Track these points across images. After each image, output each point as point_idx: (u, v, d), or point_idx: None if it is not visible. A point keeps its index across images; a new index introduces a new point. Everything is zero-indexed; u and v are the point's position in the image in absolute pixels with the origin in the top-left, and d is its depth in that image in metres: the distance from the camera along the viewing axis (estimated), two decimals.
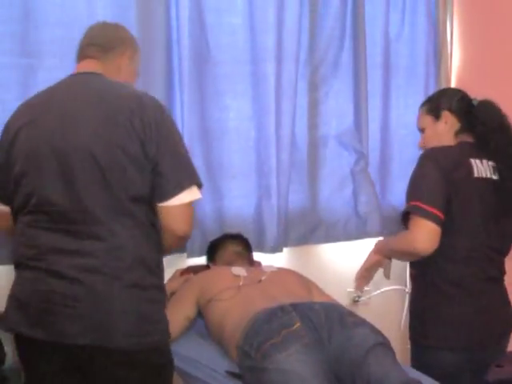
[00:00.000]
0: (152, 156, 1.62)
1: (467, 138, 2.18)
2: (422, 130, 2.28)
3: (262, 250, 2.68)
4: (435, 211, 2.00)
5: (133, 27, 2.24)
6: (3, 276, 2.31)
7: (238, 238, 2.57)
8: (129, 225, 1.63)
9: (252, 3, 2.62)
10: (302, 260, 2.81)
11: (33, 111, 1.74)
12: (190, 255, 2.60)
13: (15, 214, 1.75)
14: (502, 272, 2.21)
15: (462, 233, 2.07)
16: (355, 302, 2.90)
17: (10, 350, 2.11)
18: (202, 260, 2.61)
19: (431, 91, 3.00)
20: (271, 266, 2.41)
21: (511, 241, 2.22)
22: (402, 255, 2.22)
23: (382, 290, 2.90)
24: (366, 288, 2.87)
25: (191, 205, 1.70)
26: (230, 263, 2.44)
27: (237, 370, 1.97)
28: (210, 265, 2.53)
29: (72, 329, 1.60)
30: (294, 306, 1.99)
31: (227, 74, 2.62)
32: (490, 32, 2.99)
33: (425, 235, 2.01)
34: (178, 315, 2.14)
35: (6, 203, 1.78)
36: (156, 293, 1.69)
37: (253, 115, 2.68)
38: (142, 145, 1.61)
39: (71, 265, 1.62)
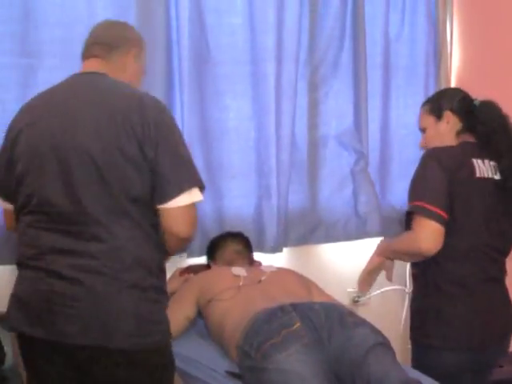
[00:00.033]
0: (150, 157, 1.61)
1: (469, 138, 2.18)
2: (423, 130, 2.27)
3: (261, 250, 2.68)
4: (439, 211, 2.00)
5: None
6: (4, 276, 2.32)
7: (239, 237, 2.57)
8: (128, 226, 1.63)
9: (252, 3, 2.62)
10: (301, 260, 2.81)
11: (34, 111, 1.75)
12: (190, 255, 2.60)
13: (17, 213, 1.76)
14: (504, 272, 2.21)
15: (464, 233, 2.07)
16: (355, 302, 2.90)
17: (9, 350, 2.11)
18: (202, 260, 2.61)
19: (431, 91, 3.00)
20: (271, 266, 2.41)
21: None
22: (405, 256, 2.22)
23: (382, 290, 2.90)
24: None
25: (193, 206, 1.67)
26: (231, 262, 2.44)
27: (237, 370, 1.97)
28: (211, 263, 2.53)
29: (72, 329, 1.60)
30: (294, 306, 1.99)
31: (227, 74, 2.62)
32: (489, 32, 2.99)
33: (429, 235, 2.01)
34: (177, 315, 2.14)
35: (12, 202, 1.79)
36: (156, 293, 1.68)
37: (253, 115, 2.68)
38: (139, 146, 1.60)
39: (71, 265, 1.62)
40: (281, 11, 2.63)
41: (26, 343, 1.72)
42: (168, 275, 2.32)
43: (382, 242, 2.35)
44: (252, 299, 2.10)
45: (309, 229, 2.82)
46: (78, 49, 2.32)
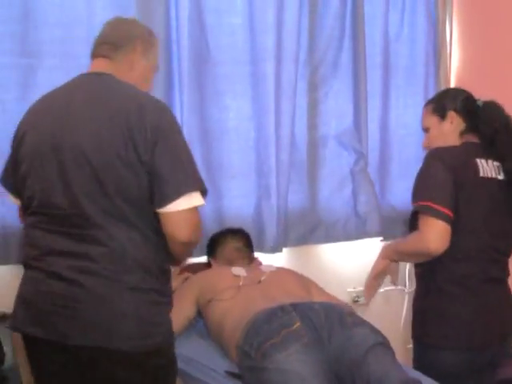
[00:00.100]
0: (145, 160, 1.58)
1: (472, 139, 2.18)
2: (426, 130, 2.27)
3: (261, 250, 2.68)
4: (446, 210, 2.00)
5: None
6: (4, 276, 2.32)
7: (239, 234, 2.56)
8: (126, 228, 1.61)
9: (252, 4, 2.62)
10: (301, 260, 2.82)
11: (38, 112, 1.75)
12: None
13: (24, 213, 1.78)
14: (506, 273, 2.21)
15: (466, 232, 2.07)
16: (355, 302, 2.90)
17: (9, 349, 2.11)
18: (202, 260, 2.61)
19: (431, 91, 3.00)
20: (270, 266, 2.41)
21: None
22: (412, 257, 2.20)
23: (382, 290, 2.90)
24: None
25: (194, 210, 1.63)
26: (231, 260, 2.44)
27: (236, 370, 1.97)
28: (211, 261, 2.53)
29: (72, 330, 1.61)
30: (294, 306, 1.99)
31: (227, 74, 2.63)
32: (489, 32, 2.99)
33: (436, 235, 2.01)
34: (177, 315, 2.13)
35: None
36: (158, 295, 1.66)
37: (252, 115, 2.68)
38: (135, 148, 1.58)
39: (70, 267, 1.62)
40: (280, 11, 2.63)
41: (30, 343, 1.73)
42: None
43: (386, 244, 2.33)
44: (252, 299, 2.10)
45: (308, 229, 2.83)
46: (78, 49, 2.35)
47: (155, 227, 1.63)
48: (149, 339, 1.63)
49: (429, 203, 2.02)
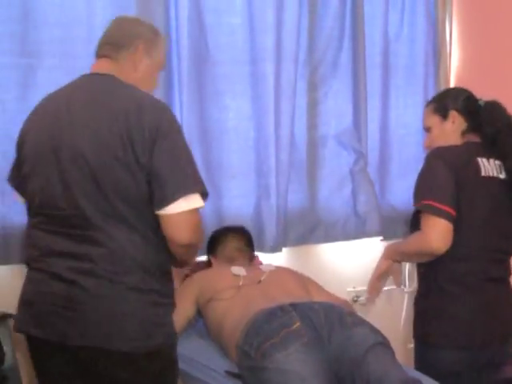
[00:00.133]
0: (144, 161, 1.57)
1: (473, 138, 2.18)
2: (427, 130, 2.27)
3: (261, 249, 2.68)
4: (448, 209, 2.00)
5: None
6: (5, 276, 2.32)
7: (240, 232, 2.54)
8: (126, 229, 1.61)
9: (251, 3, 2.62)
10: (301, 260, 2.82)
11: (40, 113, 1.76)
12: None
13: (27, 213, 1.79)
14: (508, 272, 2.21)
15: (468, 231, 2.07)
16: (354, 301, 2.90)
17: (9, 349, 2.11)
18: (201, 259, 2.61)
19: (430, 91, 3.01)
20: (270, 265, 2.41)
21: None
22: (415, 256, 2.20)
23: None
24: (364, 288, 2.88)
25: (194, 212, 1.61)
26: (231, 259, 2.44)
27: (236, 370, 1.98)
28: (211, 258, 2.52)
29: (73, 330, 1.61)
30: (294, 305, 1.99)
31: (226, 74, 2.62)
32: (489, 32, 2.99)
33: (439, 233, 2.01)
34: (177, 315, 2.13)
35: None
36: (158, 296, 1.66)
37: (252, 115, 2.68)
38: (132, 149, 1.57)
39: (70, 268, 1.62)
40: (280, 11, 2.63)
41: (32, 344, 1.74)
42: None
43: (388, 245, 2.34)
44: (252, 299, 2.11)
45: (308, 228, 2.83)
46: (78, 48, 2.35)
47: (155, 229, 1.62)
48: (149, 340, 1.63)
49: (431, 202, 2.02)
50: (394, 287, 2.68)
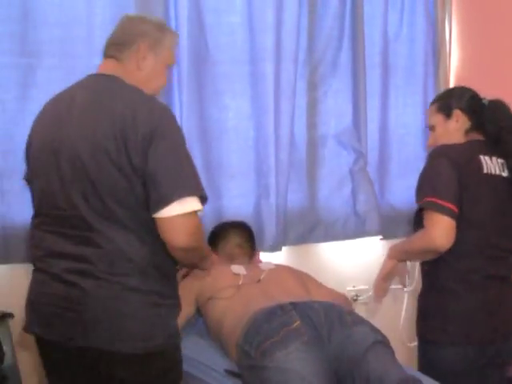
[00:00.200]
0: (137, 163, 1.55)
1: (477, 137, 2.19)
2: (431, 128, 2.28)
3: (261, 249, 2.67)
4: (450, 205, 2.01)
5: None
6: (5, 276, 2.32)
7: (241, 228, 2.54)
8: (123, 231, 1.60)
9: (251, 3, 2.62)
10: (300, 259, 2.82)
11: (44, 115, 1.77)
12: None
13: None
14: (511, 271, 2.21)
15: (470, 228, 2.08)
16: (354, 301, 2.90)
17: (9, 349, 2.12)
18: None
19: (430, 91, 3.01)
20: (269, 263, 2.42)
21: None
22: (419, 255, 2.20)
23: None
24: (364, 287, 2.89)
25: (191, 215, 1.57)
26: (232, 256, 2.43)
27: (236, 369, 1.98)
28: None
29: (74, 331, 1.61)
30: (294, 304, 2.00)
31: (226, 73, 2.62)
32: (488, 31, 2.99)
33: (442, 230, 2.01)
34: None
35: None
36: (157, 297, 1.65)
37: (252, 115, 2.68)
38: (125, 150, 1.56)
39: (69, 269, 1.62)
40: (280, 11, 2.63)
41: (39, 344, 1.75)
42: None
43: (392, 245, 2.34)
44: (252, 298, 2.11)
45: (308, 228, 2.83)
46: (77, 48, 2.35)
47: (152, 230, 1.60)
48: (150, 341, 1.63)
49: (433, 199, 2.03)
50: (393, 286, 2.69)
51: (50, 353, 1.71)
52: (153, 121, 1.58)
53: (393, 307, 2.91)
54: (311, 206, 2.84)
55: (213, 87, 2.61)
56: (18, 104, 2.29)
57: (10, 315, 2.16)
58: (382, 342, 1.94)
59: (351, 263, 2.94)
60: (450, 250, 2.03)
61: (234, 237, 2.50)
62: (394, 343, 2.01)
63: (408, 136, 3.00)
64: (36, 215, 1.74)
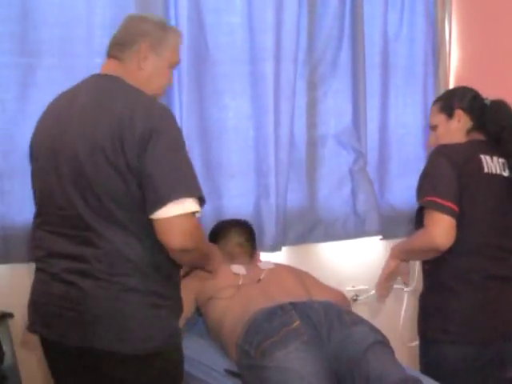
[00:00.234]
0: (133, 163, 1.54)
1: (478, 136, 2.20)
2: (433, 128, 2.28)
3: (260, 248, 2.67)
4: (450, 204, 2.02)
5: None
6: (5, 275, 2.33)
7: (242, 227, 2.53)
8: (122, 232, 1.60)
9: (251, 3, 2.62)
10: (300, 259, 2.82)
11: (46, 115, 1.77)
12: None
13: None
14: None
15: (470, 228, 2.08)
16: (354, 301, 2.90)
17: (8, 349, 2.12)
18: None
19: (430, 91, 3.01)
20: (269, 263, 2.41)
21: None
22: (421, 254, 2.20)
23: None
24: (364, 287, 2.89)
25: (188, 217, 1.55)
26: (232, 255, 2.42)
27: (236, 369, 1.98)
28: None
29: (73, 331, 1.62)
30: (294, 304, 2.00)
31: (226, 73, 2.63)
32: (488, 31, 3.00)
33: (443, 229, 2.02)
34: None
35: None
36: (156, 298, 1.65)
37: (251, 114, 2.68)
38: (122, 151, 1.55)
39: (68, 269, 1.63)
40: (279, 11, 2.63)
41: (42, 343, 1.75)
42: None
43: (394, 245, 2.34)
44: (251, 298, 2.11)
45: (308, 228, 2.83)
46: (77, 48, 2.35)
47: (150, 231, 1.59)
48: (150, 342, 1.62)
49: (434, 198, 2.04)
50: (393, 286, 2.69)
51: (54, 352, 1.72)
52: (151, 120, 1.57)
53: (393, 307, 2.91)
54: (311, 205, 2.84)
55: (213, 87, 2.61)
56: (18, 104, 2.29)
57: (10, 315, 2.17)
58: (382, 342, 1.94)
59: (351, 263, 2.94)
60: (451, 249, 2.04)
61: (235, 235, 2.48)
62: (394, 343, 2.01)
63: (408, 136, 3.00)
64: (37, 215, 1.74)
